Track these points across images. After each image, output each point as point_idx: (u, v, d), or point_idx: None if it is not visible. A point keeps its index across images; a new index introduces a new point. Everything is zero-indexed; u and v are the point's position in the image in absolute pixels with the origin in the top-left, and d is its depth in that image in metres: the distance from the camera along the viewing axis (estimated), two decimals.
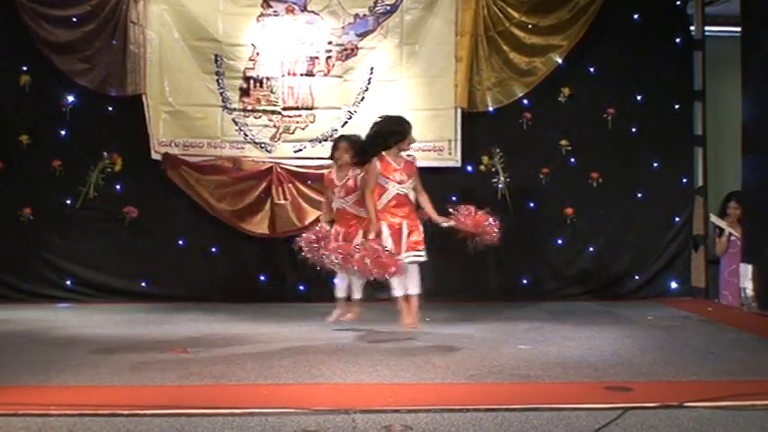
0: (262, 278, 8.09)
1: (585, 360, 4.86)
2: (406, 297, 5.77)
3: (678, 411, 3.60)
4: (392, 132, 5.87)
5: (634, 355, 5.08)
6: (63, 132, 7.92)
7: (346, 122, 8.03)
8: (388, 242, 5.65)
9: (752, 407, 3.65)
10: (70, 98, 7.87)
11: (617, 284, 8.28)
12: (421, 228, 5.85)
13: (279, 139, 8.03)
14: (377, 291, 6.54)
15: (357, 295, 6.19)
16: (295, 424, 3.40)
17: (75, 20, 7.79)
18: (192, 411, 3.55)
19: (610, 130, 8.29)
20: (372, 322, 6.42)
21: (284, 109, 8.03)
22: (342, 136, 6.68)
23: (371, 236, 5.66)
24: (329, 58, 8.09)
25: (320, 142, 8.02)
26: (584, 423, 3.41)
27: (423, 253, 5.78)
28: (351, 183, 6.16)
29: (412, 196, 5.88)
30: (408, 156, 6.00)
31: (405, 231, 5.72)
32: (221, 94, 7.97)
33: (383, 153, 5.84)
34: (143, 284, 7.96)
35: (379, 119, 6.07)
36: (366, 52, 8.09)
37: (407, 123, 5.98)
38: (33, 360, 4.84)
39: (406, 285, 5.74)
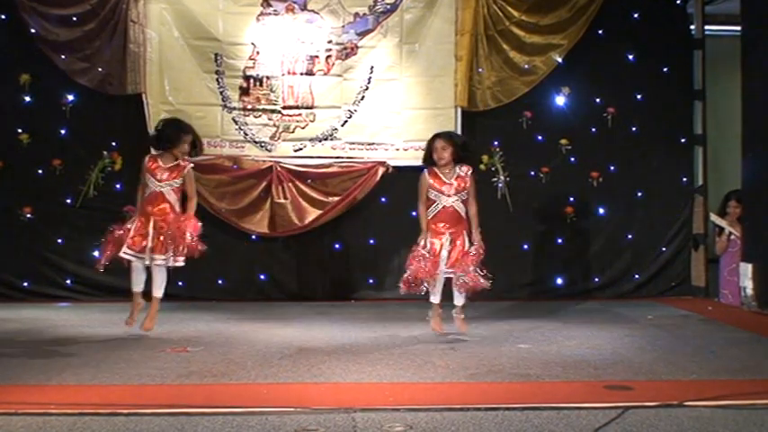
0: (262, 277, 8.09)
1: (585, 359, 4.86)
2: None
3: (678, 410, 3.60)
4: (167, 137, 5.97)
5: (634, 354, 5.07)
6: (63, 131, 7.92)
7: (346, 121, 8.04)
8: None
9: (752, 406, 3.65)
10: (70, 97, 7.88)
11: (617, 284, 8.29)
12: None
13: (279, 138, 8.03)
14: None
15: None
16: (295, 423, 3.40)
17: (75, 19, 7.79)
18: (192, 410, 3.55)
19: (610, 129, 8.29)
20: (371, 322, 6.43)
21: (284, 108, 8.03)
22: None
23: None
24: (329, 56, 8.09)
25: (320, 141, 8.03)
26: (585, 422, 3.41)
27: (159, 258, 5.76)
28: None
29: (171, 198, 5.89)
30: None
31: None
32: (221, 93, 7.97)
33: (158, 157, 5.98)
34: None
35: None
36: (366, 51, 8.09)
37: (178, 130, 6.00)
38: (33, 359, 4.84)
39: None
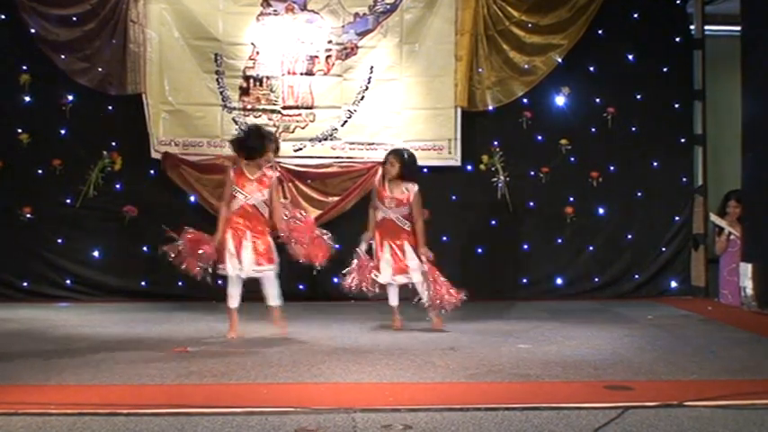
0: None
1: (585, 359, 4.86)
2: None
3: (678, 410, 3.60)
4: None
5: (634, 354, 5.08)
6: (63, 131, 7.93)
7: (346, 121, 8.04)
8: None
9: (752, 406, 3.65)
10: (70, 97, 7.87)
11: (617, 284, 8.29)
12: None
13: (278, 138, 8.01)
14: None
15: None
16: (295, 423, 3.39)
17: (75, 19, 7.79)
18: (192, 410, 3.55)
19: (610, 129, 8.30)
20: (371, 322, 6.42)
21: (284, 108, 8.03)
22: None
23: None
24: (329, 57, 8.09)
25: (320, 141, 8.03)
26: (585, 422, 3.41)
27: (266, 268, 5.71)
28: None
29: (263, 210, 5.79)
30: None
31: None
32: (221, 93, 7.97)
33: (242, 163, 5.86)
34: (143, 283, 7.96)
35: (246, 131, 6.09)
36: (366, 51, 8.09)
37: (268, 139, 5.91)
38: (33, 359, 4.83)
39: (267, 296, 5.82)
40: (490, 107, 8.13)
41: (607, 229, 8.33)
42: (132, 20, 7.78)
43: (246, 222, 5.72)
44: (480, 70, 8.08)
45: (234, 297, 5.75)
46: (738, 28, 7.56)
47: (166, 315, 6.93)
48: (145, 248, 7.95)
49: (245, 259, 5.66)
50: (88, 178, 7.84)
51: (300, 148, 8.03)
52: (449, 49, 8.07)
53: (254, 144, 5.82)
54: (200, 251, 5.64)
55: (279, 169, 7.88)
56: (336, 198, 7.95)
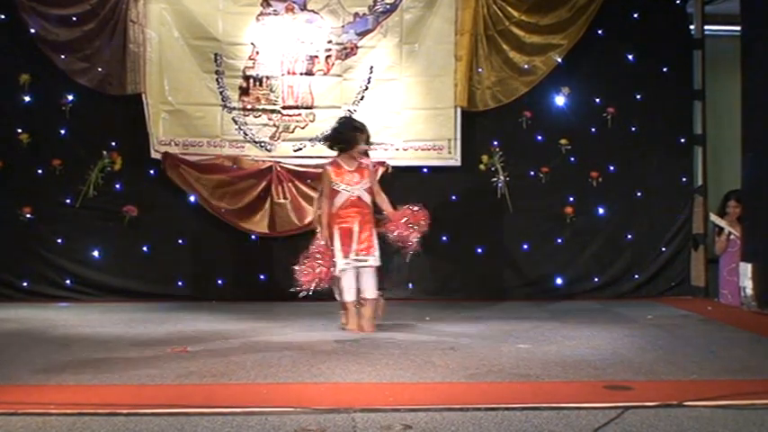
0: (262, 277, 8.08)
1: (585, 359, 4.86)
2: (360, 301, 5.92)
3: (678, 410, 3.59)
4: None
5: (634, 354, 5.07)
6: (63, 131, 7.93)
7: None
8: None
9: (752, 406, 3.65)
10: (70, 97, 7.88)
11: (617, 283, 8.28)
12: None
13: (278, 138, 8.03)
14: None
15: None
16: (295, 423, 3.39)
17: (75, 19, 7.80)
18: (192, 410, 3.54)
19: (609, 129, 8.30)
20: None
21: (284, 108, 8.04)
22: None
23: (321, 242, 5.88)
24: (329, 56, 8.09)
25: (320, 141, 8.01)
26: (584, 422, 3.41)
27: (369, 258, 5.84)
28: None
29: (366, 198, 5.97)
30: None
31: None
32: (221, 93, 7.97)
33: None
34: (143, 283, 7.95)
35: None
36: (366, 51, 8.09)
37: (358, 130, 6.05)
38: (33, 359, 4.83)
39: (358, 289, 5.88)
40: (490, 107, 8.13)
41: (607, 229, 8.33)
42: (132, 20, 7.78)
43: (354, 214, 5.89)
44: (480, 70, 8.09)
45: (348, 290, 5.89)
46: (738, 28, 7.56)
47: (166, 315, 6.92)
48: (145, 248, 7.97)
49: (353, 250, 5.83)
50: (88, 178, 7.84)
51: (300, 148, 8.03)
52: (449, 49, 8.07)
53: (346, 136, 6.01)
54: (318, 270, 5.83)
55: (279, 169, 7.92)
56: None
